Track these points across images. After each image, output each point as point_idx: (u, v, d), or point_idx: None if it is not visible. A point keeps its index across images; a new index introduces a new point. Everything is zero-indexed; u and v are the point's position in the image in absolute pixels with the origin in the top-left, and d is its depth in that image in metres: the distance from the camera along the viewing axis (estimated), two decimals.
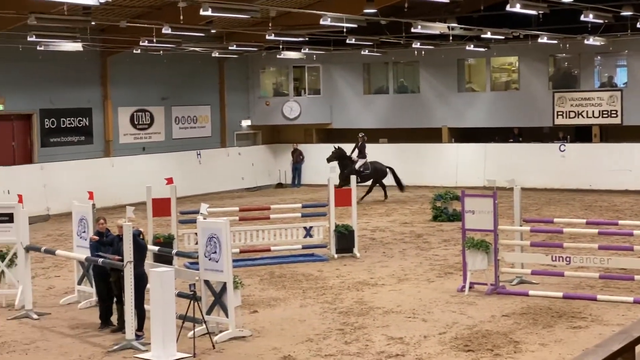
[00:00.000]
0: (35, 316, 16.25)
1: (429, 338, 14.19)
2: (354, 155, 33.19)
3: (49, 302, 17.46)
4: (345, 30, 29.83)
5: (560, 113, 36.22)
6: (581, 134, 36.91)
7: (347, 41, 33.69)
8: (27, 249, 16.78)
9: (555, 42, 34.42)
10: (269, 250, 21.14)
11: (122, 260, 14.05)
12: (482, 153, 36.67)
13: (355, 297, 17.28)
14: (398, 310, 16.18)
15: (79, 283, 17.26)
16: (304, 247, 21.57)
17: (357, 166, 32.69)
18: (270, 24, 29.76)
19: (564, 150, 35.63)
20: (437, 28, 29.39)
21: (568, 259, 17.33)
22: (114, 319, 15.28)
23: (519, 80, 37.89)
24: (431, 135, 38.34)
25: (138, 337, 14.05)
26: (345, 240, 21.63)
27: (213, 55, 37.03)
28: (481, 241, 17.23)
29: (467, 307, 16.25)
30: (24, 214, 17.13)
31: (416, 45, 34.49)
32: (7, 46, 29.39)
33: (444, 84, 38.73)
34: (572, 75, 37.59)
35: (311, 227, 21.63)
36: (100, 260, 14.81)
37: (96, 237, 15.33)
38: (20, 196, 17.53)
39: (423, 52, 36.62)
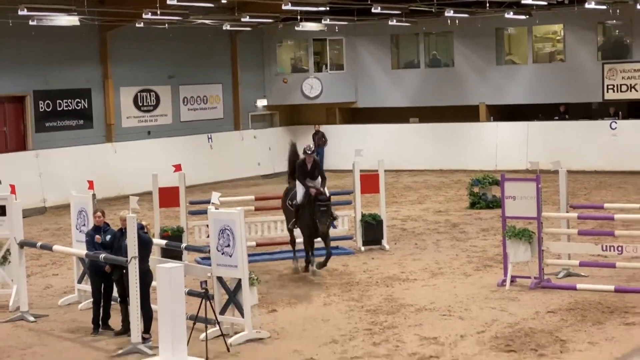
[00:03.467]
0: (31, 318, 16.35)
1: (466, 338, 14.19)
2: None
3: (46, 302, 17.57)
4: None
5: (611, 87, 36.04)
6: (635, 110, 36.65)
7: (373, 10, 33.69)
8: (22, 245, 16.88)
9: (605, 7, 34.26)
10: (287, 243, 21.18)
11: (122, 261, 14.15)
12: (524, 132, 36.54)
13: (385, 294, 17.29)
14: (432, 308, 16.18)
15: (79, 282, 17.34)
16: None
17: None
18: None
19: (616, 128, 35.49)
20: None
21: (620, 249, 17.29)
22: (112, 322, 15.35)
23: (564, 51, 37.76)
24: (467, 113, 38.24)
25: (144, 340, 14.11)
26: (372, 231, 21.66)
27: (224, 28, 37.05)
28: (524, 230, 17.20)
29: (508, 303, 16.23)
30: (18, 206, 17.22)
31: (449, 13, 34.43)
32: None
33: (481, 56, 38.62)
34: (624, 44, 37.33)
35: (335, 217, 21.65)
36: (102, 256, 14.88)
37: (100, 238, 15.32)
38: (12, 186, 17.62)
39: (457, 21, 36.60)
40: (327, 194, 19.18)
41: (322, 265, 18.92)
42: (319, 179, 19.35)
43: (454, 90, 38.51)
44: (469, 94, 38.43)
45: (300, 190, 19.25)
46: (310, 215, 18.67)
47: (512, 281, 17.28)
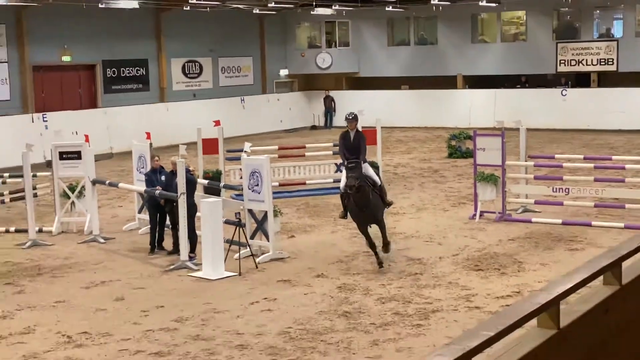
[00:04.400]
0: (102, 240, 16.56)
1: (443, 259, 14.33)
2: None
3: (113, 228, 17.75)
4: None
5: (563, 61, 35.93)
6: (581, 80, 36.58)
7: None
8: (94, 182, 17.01)
9: None
10: (304, 183, 21.27)
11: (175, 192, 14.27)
12: (493, 98, 36.48)
13: None
14: (417, 235, 16.32)
15: (139, 212, 17.52)
16: (335, 181, 21.64)
17: None
18: None
19: (566, 94, 35.49)
20: None
21: (567, 190, 17.42)
22: (165, 244, 15.51)
23: (526, 33, 37.56)
24: (447, 82, 38.18)
25: (191, 258, 14.27)
26: None
27: (254, 12, 36.95)
28: (491, 175, 17.27)
29: (477, 232, 16.36)
30: (91, 152, 17.35)
31: (434, 1, 34.45)
32: (73, 4, 29.48)
33: (459, 36, 38.45)
34: (574, 27, 37.09)
35: (341, 163, 21.69)
36: (158, 192, 15.01)
37: (159, 189, 15.34)
38: (86, 136, 17.72)
39: (441, 8, 36.58)
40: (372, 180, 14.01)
41: (386, 250, 14.01)
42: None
43: (437, 64, 38.42)
44: (449, 66, 38.32)
45: (343, 177, 14.02)
46: (355, 202, 13.46)
47: (480, 215, 17.38)
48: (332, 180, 21.63)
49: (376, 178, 14.22)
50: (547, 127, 33.17)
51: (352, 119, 14.18)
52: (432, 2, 35.05)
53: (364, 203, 13.50)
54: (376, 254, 13.75)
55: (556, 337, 3.78)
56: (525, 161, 18.19)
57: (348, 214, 14.10)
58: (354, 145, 13.93)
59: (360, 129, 14.39)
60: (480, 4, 35.43)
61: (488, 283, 12.81)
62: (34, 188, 17.25)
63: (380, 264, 13.62)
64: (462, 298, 12.06)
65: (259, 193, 14.71)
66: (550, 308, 3.77)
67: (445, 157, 27.73)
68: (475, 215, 17.44)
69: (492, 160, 17.25)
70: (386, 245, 14.04)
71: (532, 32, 37.13)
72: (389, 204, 14.80)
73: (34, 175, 17.32)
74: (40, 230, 16.84)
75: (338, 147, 14.67)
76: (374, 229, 13.99)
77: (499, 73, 37.64)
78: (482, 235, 16.05)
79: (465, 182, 21.96)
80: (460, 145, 27.44)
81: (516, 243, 15.32)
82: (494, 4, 36.14)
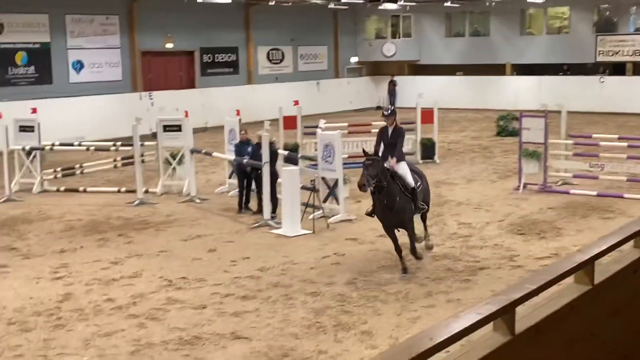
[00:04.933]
0: (198, 201, 16.79)
1: (490, 224, 14.21)
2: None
3: (207, 190, 17.93)
4: None
5: (601, 52, 35.04)
6: (617, 69, 35.70)
7: None
8: (192, 152, 17.24)
9: None
10: None
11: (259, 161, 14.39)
12: (537, 84, 35.79)
13: (435, 192, 17.27)
14: (467, 203, 16.19)
15: (229, 177, 17.69)
16: None
17: None
18: None
19: (603, 81, 34.69)
20: None
21: (602, 166, 17.08)
22: (251, 205, 15.61)
23: (569, 26, 36.72)
24: (497, 69, 37.56)
25: (272, 218, 14.40)
26: (428, 149, 21.60)
27: (329, 6, 36.78)
28: (534, 151, 17.01)
29: (521, 201, 16.16)
30: (189, 125, 17.58)
31: None
32: None
33: (508, 29, 37.75)
34: (612, 22, 36.09)
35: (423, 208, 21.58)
36: (245, 161, 15.16)
37: (247, 158, 15.43)
38: (186, 112, 17.93)
39: (493, 4, 35.93)
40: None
41: (414, 253, 11.37)
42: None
43: (488, 53, 37.78)
44: (498, 55, 37.65)
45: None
46: (379, 201, 11.10)
47: (524, 187, 17.14)
48: None
49: (409, 179, 11.26)
50: (586, 110, 32.35)
51: (390, 114, 11.68)
52: None
53: (389, 204, 10.96)
54: (401, 258, 11.17)
55: (590, 292, 3.75)
56: (566, 140, 17.86)
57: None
58: (390, 141, 11.47)
59: (399, 124, 11.82)
60: (529, 0, 34.83)
61: (529, 246, 12.67)
62: (142, 155, 17.58)
63: (404, 269, 11.07)
64: (506, 258, 11.96)
65: (331, 163, 14.76)
66: (586, 267, 3.75)
67: (494, 135, 27.34)
68: (519, 186, 17.21)
69: (535, 139, 16.97)
70: (412, 252, 11.31)
71: (575, 26, 36.26)
72: (421, 210, 11.71)
73: (142, 145, 17.60)
74: (146, 191, 17.14)
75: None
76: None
77: (544, 62, 36.86)
78: (525, 204, 15.85)
79: (511, 157, 21.66)
80: (507, 125, 27.01)
81: (555, 211, 15.09)
82: (540, 1, 35.43)
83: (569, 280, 3.75)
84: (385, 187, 10.79)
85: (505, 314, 3.10)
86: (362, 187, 10.58)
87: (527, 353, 3.25)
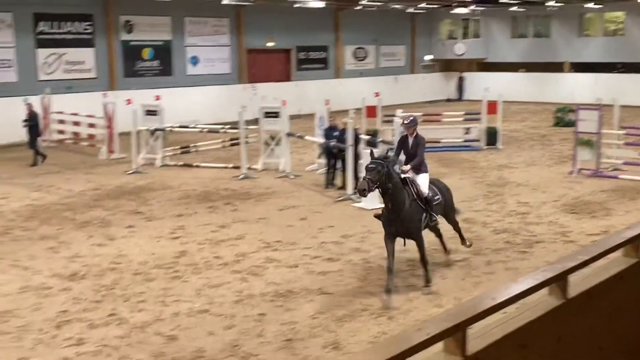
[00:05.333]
0: (292, 176, 16.91)
1: (546, 203, 13.84)
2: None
3: (299, 168, 17.99)
4: None
5: None
6: None
7: (500, 0, 32.46)
8: (288, 135, 17.37)
9: None
10: (439, 142, 20.93)
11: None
12: (593, 80, 34.41)
13: (497, 175, 16.99)
14: (526, 185, 15.80)
15: (318, 157, 17.73)
16: (464, 141, 21.26)
17: None
18: None
19: None
20: None
21: None
22: (337, 182, 15.60)
23: (624, 29, 35.18)
24: (557, 67, 36.40)
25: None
26: (492, 137, 21.13)
27: (407, 10, 36.31)
28: (588, 140, 16.44)
29: (574, 184, 15.66)
30: (286, 112, 17.69)
31: (549, 3, 32.74)
32: (277, 4, 29.95)
33: (568, 31, 36.44)
34: None
35: (469, 127, 21.23)
36: (332, 143, 15.17)
37: (334, 141, 15.49)
38: (284, 101, 18.06)
39: (554, 8, 34.75)
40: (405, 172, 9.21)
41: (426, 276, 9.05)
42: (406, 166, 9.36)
43: (549, 52, 36.63)
44: (558, 54, 36.44)
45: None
46: (385, 203, 8.83)
47: (578, 171, 16.62)
48: (461, 140, 21.21)
49: (423, 188, 9.07)
50: (638, 104, 31.06)
51: (410, 123, 9.51)
52: (547, 4, 33.40)
53: (395, 208, 8.62)
54: (389, 278, 8.53)
55: (638, 264, 3.63)
56: (618, 130, 17.20)
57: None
58: (411, 152, 9.39)
59: (419, 134, 9.58)
60: (586, 5, 33.55)
61: (581, 223, 12.29)
62: (246, 137, 17.84)
63: (388, 291, 8.45)
64: (560, 234, 11.64)
65: None
66: (634, 242, 3.62)
67: (552, 125, 26.54)
68: (573, 171, 16.69)
69: (590, 129, 16.39)
70: (425, 272, 9.01)
71: (629, 29, 34.71)
72: (434, 222, 9.36)
73: (246, 128, 17.85)
74: (249, 168, 17.34)
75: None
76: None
77: (600, 60, 35.47)
78: (578, 187, 15.36)
79: (566, 145, 21.00)
80: (564, 116, 26.18)
81: (606, 194, 14.57)
82: (598, 6, 34.07)
83: (618, 253, 3.64)
84: (390, 190, 8.49)
85: (559, 281, 3.04)
86: (362, 192, 8.41)
87: (579, 317, 3.18)
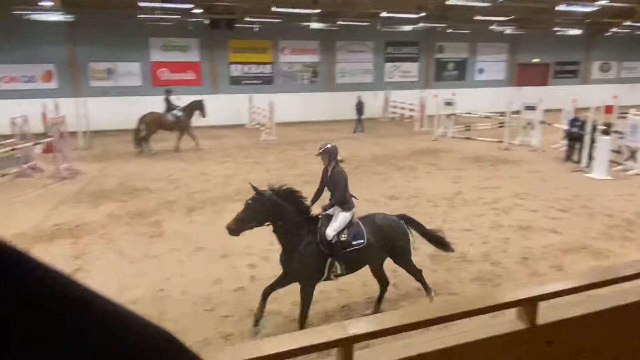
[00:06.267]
0: (540, 151, 15.72)
1: None
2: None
3: (546, 146, 16.33)
4: None
5: None
6: None
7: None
8: (541, 122, 16.27)
9: None
10: None
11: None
12: None
13: None
14: None
15: (562, 139, 16.26)
16: None
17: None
18: None
19: None
20: None
21: None
22: (574, 157, 14.32)
23: None
24: None
25: (587, 166, 13.23)
26: None
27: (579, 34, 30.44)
28: None
29: None
30: (540, 106, 16.39)
31: None
32: (543, 32, 27.69)
33: None
34: None
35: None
36: (574, 130, 14.02)
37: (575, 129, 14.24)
38: (540, 100, 16.97)
39: None
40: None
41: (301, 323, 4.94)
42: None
43: None
44: None
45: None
46: (279, 241, 4.93)
47: None
48: None
49: (330, 230, 4.97)
50: None
51: (322, 152, 5.09)
52: None
53: (286, 248, 4.98)
54: (256, 320, 5.01)
55: None
56: None
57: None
58: (329, 188, 5.12)
59: (338, 167, 5.09)
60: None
61: None
62: (510, 122, 17.10)
63: (257, 331, 4.92)
64: None
65: (635, 137, 13.01)
66: None
67: None
68: None
69: None
70: (300, 320, 4.97)
71: None
72: (335, 276, 5.07)
73: (511, 115, 17.00)
74: (510, 143, 16.50)
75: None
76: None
77: None
78: None
79: None
80: None
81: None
82: None
83: None
84: (279, 226, 4.85)
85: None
86: (230, 231, 4.70)
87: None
